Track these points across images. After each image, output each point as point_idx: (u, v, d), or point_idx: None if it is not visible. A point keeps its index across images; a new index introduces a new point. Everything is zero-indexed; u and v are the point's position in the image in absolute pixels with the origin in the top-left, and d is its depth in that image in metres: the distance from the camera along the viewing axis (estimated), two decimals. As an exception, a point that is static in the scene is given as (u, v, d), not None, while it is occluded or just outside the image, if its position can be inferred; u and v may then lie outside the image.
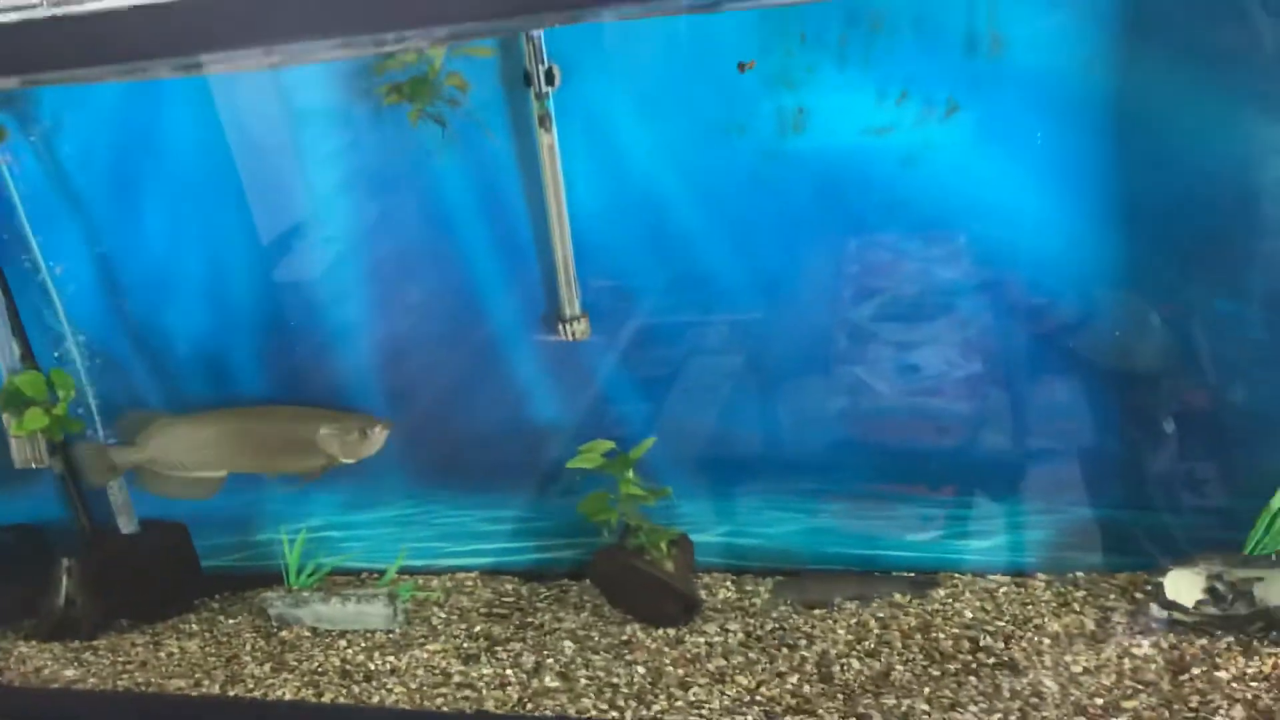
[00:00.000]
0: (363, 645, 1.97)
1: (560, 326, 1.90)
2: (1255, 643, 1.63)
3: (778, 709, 1.67)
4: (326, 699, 1.85)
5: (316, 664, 1.94)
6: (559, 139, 1.79)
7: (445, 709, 1.79)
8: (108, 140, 1.97)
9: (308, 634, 2.02)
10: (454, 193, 1.89)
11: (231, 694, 1.90)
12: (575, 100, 1.78)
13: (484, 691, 1.81)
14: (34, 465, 2.07)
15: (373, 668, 1.91)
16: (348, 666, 1.92)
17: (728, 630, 1.87)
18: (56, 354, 2.09)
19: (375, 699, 1.84)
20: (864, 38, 1.66)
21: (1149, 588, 1.72)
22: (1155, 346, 1.75)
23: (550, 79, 1.76)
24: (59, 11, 1.42)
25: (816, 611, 1.88)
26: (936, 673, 1.70)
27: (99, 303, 2.10)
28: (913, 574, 1.93)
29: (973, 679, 1.67)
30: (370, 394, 2.09)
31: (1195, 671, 1.61)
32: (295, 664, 1.95)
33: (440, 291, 1.97)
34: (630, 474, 1.88)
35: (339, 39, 1.43)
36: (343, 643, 1.98)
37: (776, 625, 1.86)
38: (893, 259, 1.80)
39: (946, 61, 1.66)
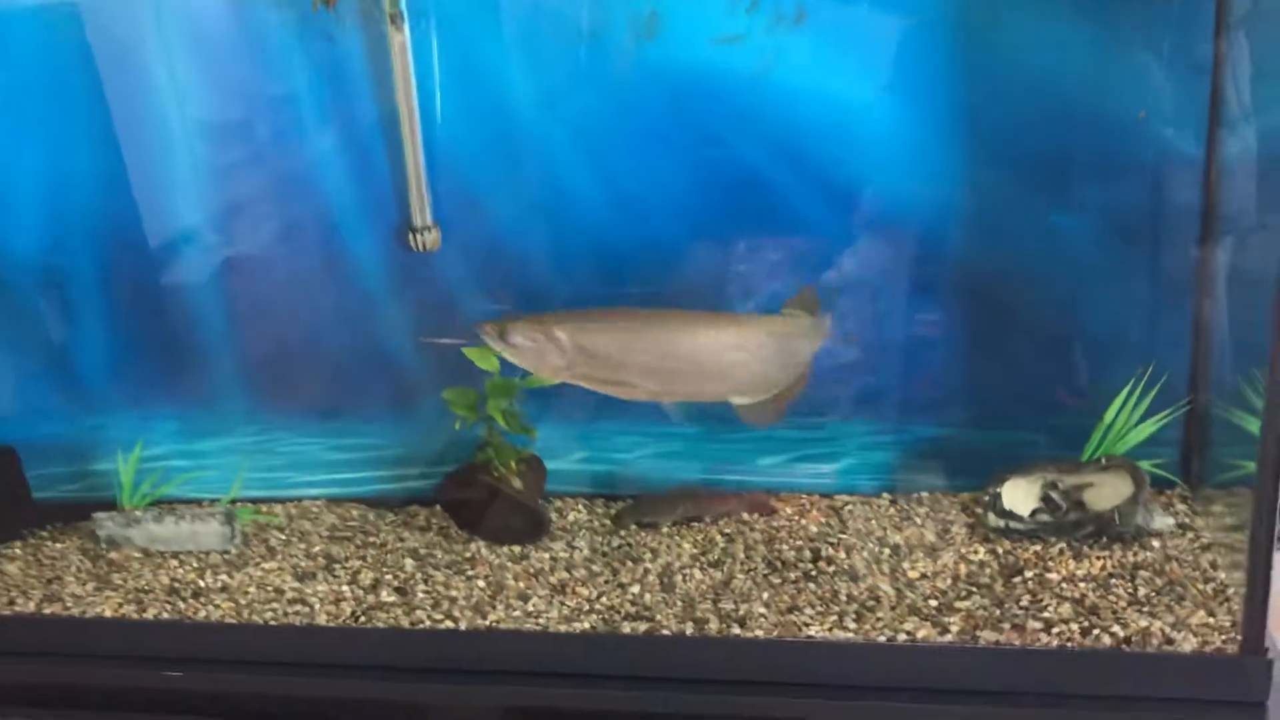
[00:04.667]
0: (195, 565, 1.89)
1: (410, 237, 1.86)
2: (1085, 548, 1.65)
3: (616, 616, 1.64)
4: (150, 615, 1.77)
5: (144, 583, 1.85)
6: (411, 39, 1.76)
7: (273, 623, 1.72)
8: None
9: (138, 555, 1.94)
10: (303, 95, 1.85)
11: (47, 611, 1.81)
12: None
13: (317, 607, 1.75)
14: None
15: (202, 585, 1.83)
16: (176, 584, 1.84)
17: (574, 547, 1.84)
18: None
19: (201, 614, 1.76)
20: (715, -56, 1.68)
21: (988, 498, 1.73)
22: (999, 263, 1.78)
23: (402, -23, 1.74)
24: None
25: (664, 530, 1.86)
26: (777, 580, 1.68)
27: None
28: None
29: (812, 585, 1.66)
30: (211, 315, 2.02)
31: (1028, 575, 1.62)
32: (121, 583, 1.86)
33: (287, 201, 1.92)
34: (509, 402, 1.85)
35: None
36: (174, 563, 1.90)
37: (624, 542, 1.83)
38: (745, 171, 1.79)
39: (796, -31, 1.68)
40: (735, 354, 1.71)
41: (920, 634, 1.52)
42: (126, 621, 1.76)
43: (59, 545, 2.01)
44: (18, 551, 2.00)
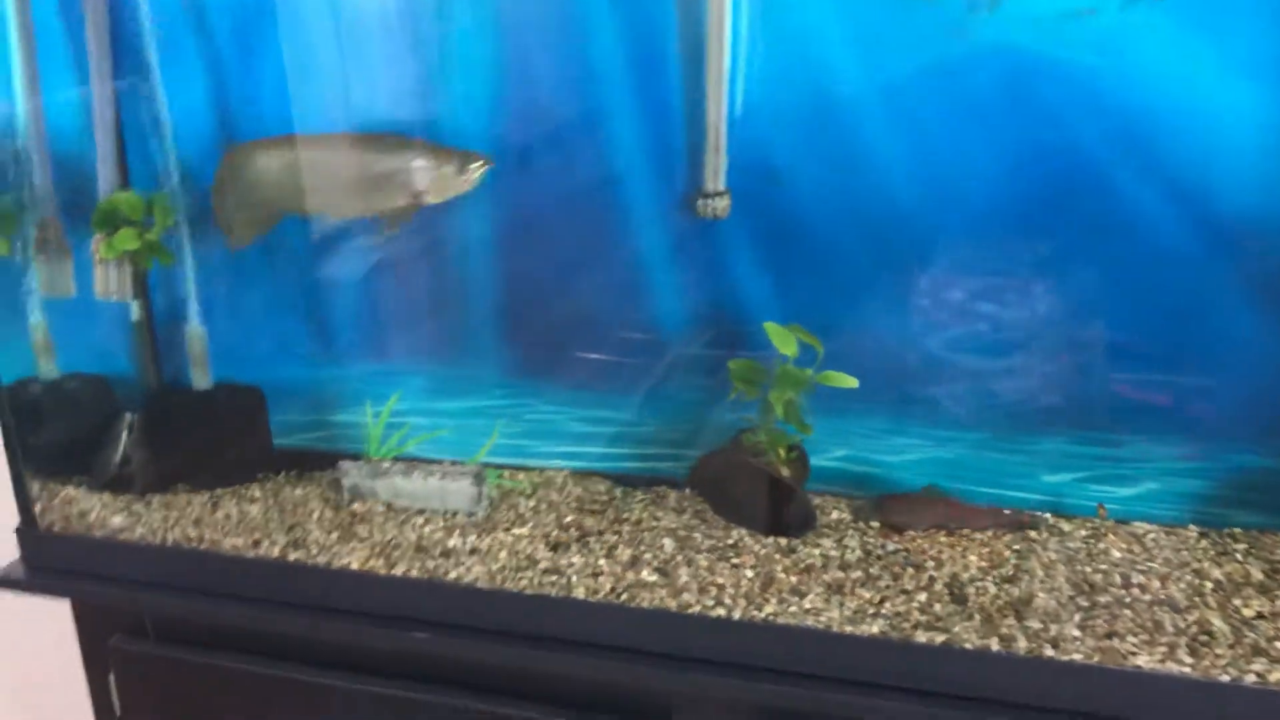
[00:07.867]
0: (442, 524, 1.82)
1: (700, 202, 1.77)
2: None
3: (906, 625, 1.51)
4: (398, 571, 1.70)
5: (389, 537, 1.78)
6: (728, -5, 1.67)
7: (530, 592, 1.63)
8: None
9: (381, 509, 1.87)
10: (604, 42, 1.77)
11: (292, 558, 1.75)
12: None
13: (573, 579, 1.65)
14: (114, 298, 1.94)
15: (452, 545, 1.75)
16: (424, 542, 1.77)
17: (845, 546, 1.71)
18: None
19: (453, 575, 1.68)
20: (1074, -92, 1.56)
21: (1331, 538, 1.55)
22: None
23: (726, -72, 1.65)
24: None
25: (944, 538, 1.71)
26: (1085, 603, 1.53)
27: (205, 142, 1.99)
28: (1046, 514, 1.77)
29: (1128, 612, 1.50)
30: (476, 277, 1.96)
31: (1392, 627, 1.43)
32: (366, 535, 1.79)
33: (568, 156, 1.84)
34: (796, 394, 1.74)
35: None
36: (420, 519, 1.83)
37: (901, 547, 1.70)
38: (1077, 161, 1.65)
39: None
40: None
41: (1272, 677, 1.35)
42: (377, 576, 1.70)
43: (298, 492, 1.95)
44: (257, 494, 1.96)
